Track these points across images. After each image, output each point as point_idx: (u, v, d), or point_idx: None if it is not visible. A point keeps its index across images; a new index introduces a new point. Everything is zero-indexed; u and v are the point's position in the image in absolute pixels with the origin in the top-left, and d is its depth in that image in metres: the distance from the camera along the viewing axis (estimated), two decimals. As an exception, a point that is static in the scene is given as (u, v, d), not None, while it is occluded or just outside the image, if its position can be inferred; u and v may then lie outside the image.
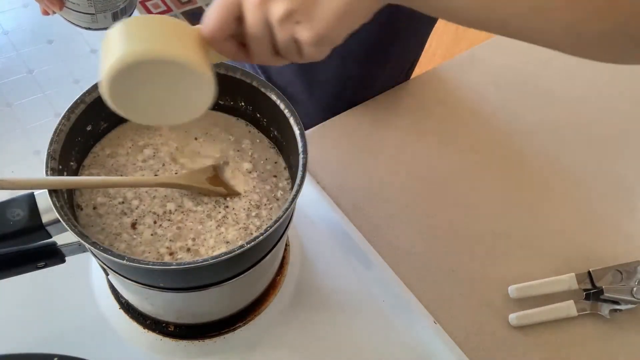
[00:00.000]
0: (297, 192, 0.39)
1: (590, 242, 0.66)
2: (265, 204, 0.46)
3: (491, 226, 0.67)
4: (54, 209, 0.35)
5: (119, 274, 0.39)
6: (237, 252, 0.35)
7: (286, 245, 0.60)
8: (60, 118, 0.40)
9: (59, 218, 0.35)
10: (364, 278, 0.59)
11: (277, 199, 0.47)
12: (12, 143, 1.74)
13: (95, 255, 0.40)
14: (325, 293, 0.58)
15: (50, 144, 0.38)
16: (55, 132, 0.39)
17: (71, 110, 0.41)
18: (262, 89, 0.45)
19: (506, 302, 0.60)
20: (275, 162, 0.49)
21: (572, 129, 0.79)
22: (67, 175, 0.40)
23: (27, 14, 2.12)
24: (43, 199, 0.38)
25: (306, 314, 0.56)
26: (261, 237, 0.36)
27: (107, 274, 0.46)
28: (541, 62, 0.88)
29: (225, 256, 0.35)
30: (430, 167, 0.72)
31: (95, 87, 0.42)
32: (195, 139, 0.49)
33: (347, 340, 0.55)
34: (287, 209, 0.39)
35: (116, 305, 0.54)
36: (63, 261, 0.44)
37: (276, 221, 0.38)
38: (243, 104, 0.49)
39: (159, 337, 0.53)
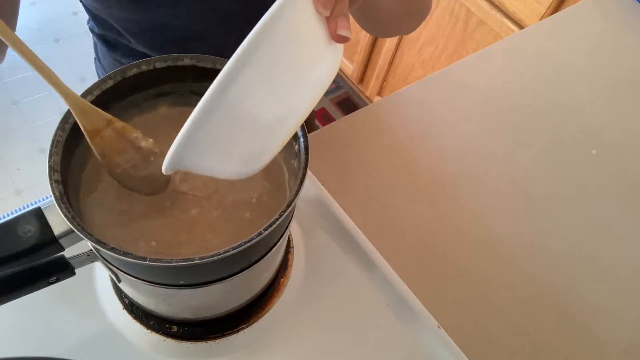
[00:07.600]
0: (303, 175, 0.39)
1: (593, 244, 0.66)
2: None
3: (496, 230, 0.66)
4: (65, 220, 0.35)
5: (138, 278, 0.39)
6: (255, 239, 0.36)
7: (290, 247, 0.60)
8: (55, 129, 0.39)
9: (73, 228, 0.34)
10: (368, 282, 0.59)
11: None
12: (18, 140, 1.72)
13: (109, 262, 0.40)
14: (329, 296, 0.58)
15: (50, 155, 0.38)
16: (52, 143, 0.38)
17: (65, 120, 0.40)
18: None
19: (511, 307, 0.60)
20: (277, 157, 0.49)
21: (576, 136, 0.78)
22: (70, 184, 0.40)
23: (35, 12, 2.06)
24: (51, 212, 0.37)
25: (309, 316, 0.56)
26: (277, 223, 0.37)
27: (119, 281, 0.45)
28: (547, 63, 0.87)
29: (245, 245, 0.36)
30: (435, 170, 0.71)
31: (84, 94, 0.41)
32: None
33: (351, 344, 0.55)
34: (291, 202, 0.38)
35: (120, 306, 0.54)
36: (73, 274, 0.43)
37: (282, 212, 0.38)
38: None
39: (162, 338, 0.53)
